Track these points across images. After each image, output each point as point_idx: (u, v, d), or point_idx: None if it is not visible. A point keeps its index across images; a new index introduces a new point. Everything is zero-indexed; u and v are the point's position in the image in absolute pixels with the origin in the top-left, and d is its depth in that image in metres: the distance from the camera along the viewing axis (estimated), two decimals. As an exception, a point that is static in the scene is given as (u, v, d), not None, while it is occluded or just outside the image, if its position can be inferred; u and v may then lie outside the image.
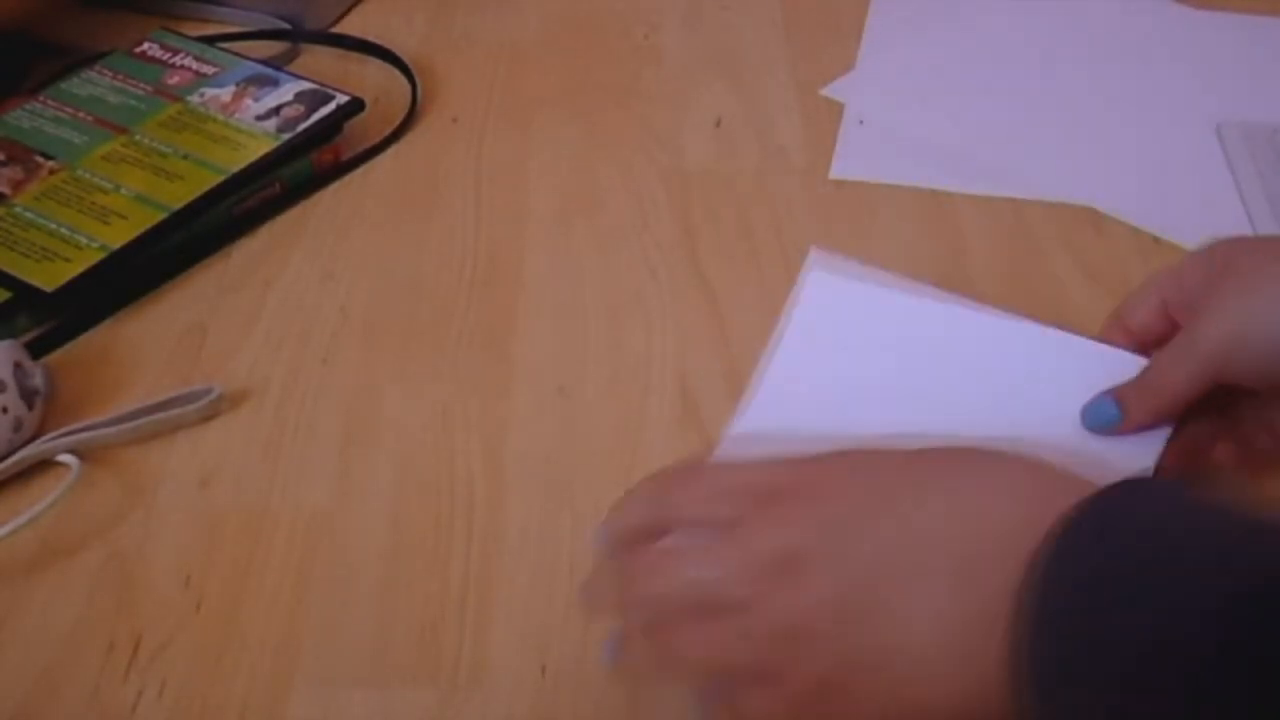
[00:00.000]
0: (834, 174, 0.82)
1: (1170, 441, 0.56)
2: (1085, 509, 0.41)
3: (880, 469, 0.47)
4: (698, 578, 0.46)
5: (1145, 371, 0.56)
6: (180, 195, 0.75)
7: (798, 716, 0.44)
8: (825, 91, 0.88)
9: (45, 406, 0.64)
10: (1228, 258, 0.55)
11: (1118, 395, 0.55)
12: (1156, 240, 0.76)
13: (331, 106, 0.82)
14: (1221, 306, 0.53)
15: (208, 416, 0.66)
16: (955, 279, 0.72)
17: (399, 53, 0.90)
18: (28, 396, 0.63)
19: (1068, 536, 0.41)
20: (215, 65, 0.85)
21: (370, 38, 0.92)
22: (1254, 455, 0.58)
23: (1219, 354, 0.53)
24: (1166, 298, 0.57)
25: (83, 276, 0.70)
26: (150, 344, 0.70)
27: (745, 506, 0.47)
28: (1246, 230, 0.76)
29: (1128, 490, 0.42)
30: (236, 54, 0.87)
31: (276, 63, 0.87)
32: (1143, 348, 0.58)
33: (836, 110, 0.87)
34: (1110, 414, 0.55)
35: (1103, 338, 0.59)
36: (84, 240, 0.72)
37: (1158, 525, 0.41)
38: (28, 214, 0.74)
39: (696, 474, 0.50)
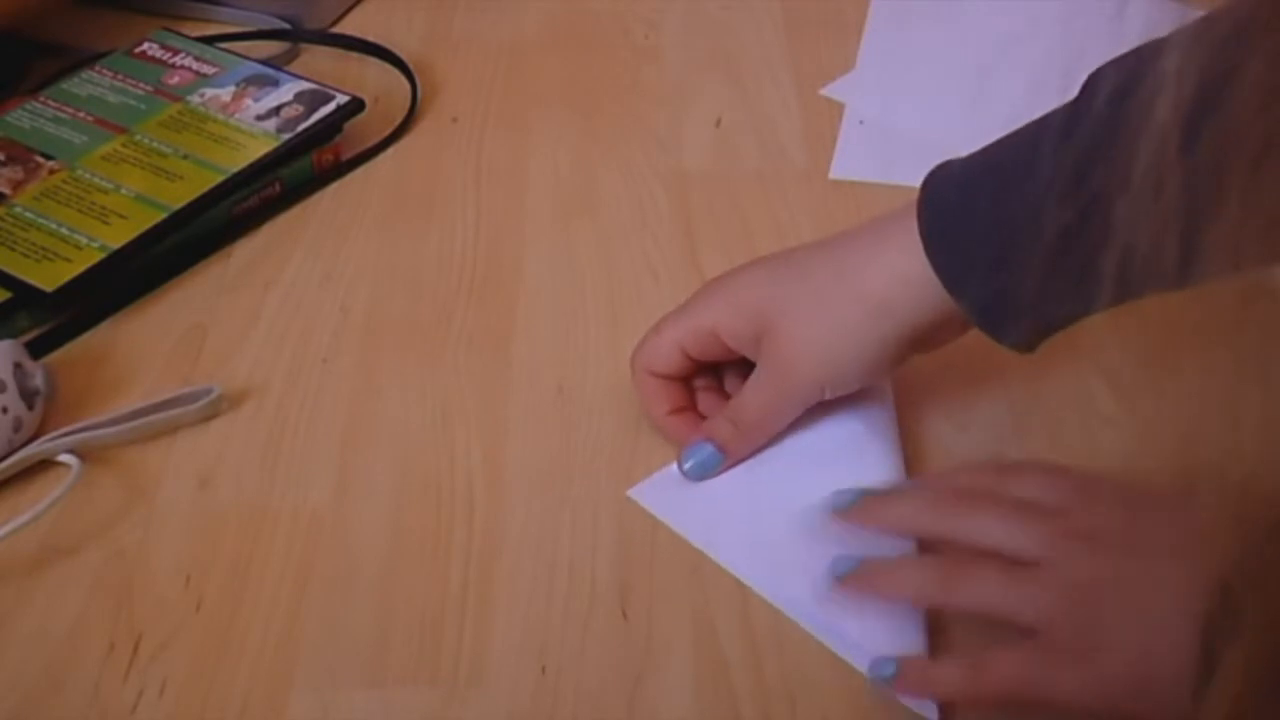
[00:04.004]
0: (834, 174, 0.82)
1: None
2: None
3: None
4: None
5: (741, 418, 0.61)
6: (180, 195, 0.75)
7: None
8: (825, 91, 0.88)
9: (45, 406, 0.64)
10: (758, 306, 0.60)
11: (717, 440, 0.61)
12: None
13: (331, 106, 0.82)
14: (789, 355, 0.60)
15: (208, 416, 0.66)
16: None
17: (399, 53, 0.90)
18: (28, 396, 0.63)
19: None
20: (215, 65, 0.85)
21: (370, 38, 0.92)
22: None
23: (812, 394, 0.61)
24: (687, 348, 0.62)
25: (83, 276, 0.70)
26: (150, 344, 0.70)
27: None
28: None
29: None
30: (236, 54, 0.87)
31: (276, 63, 0.87)
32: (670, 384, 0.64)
33: (836, 110, 0.87)
34: (711, 455, 0.61)
35: (641, 384, 0.64)
36: (84, 240, 0.72)
37: None
38: (28, 214, 0.74)
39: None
